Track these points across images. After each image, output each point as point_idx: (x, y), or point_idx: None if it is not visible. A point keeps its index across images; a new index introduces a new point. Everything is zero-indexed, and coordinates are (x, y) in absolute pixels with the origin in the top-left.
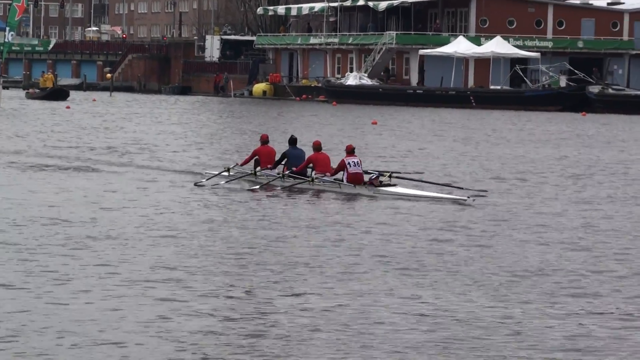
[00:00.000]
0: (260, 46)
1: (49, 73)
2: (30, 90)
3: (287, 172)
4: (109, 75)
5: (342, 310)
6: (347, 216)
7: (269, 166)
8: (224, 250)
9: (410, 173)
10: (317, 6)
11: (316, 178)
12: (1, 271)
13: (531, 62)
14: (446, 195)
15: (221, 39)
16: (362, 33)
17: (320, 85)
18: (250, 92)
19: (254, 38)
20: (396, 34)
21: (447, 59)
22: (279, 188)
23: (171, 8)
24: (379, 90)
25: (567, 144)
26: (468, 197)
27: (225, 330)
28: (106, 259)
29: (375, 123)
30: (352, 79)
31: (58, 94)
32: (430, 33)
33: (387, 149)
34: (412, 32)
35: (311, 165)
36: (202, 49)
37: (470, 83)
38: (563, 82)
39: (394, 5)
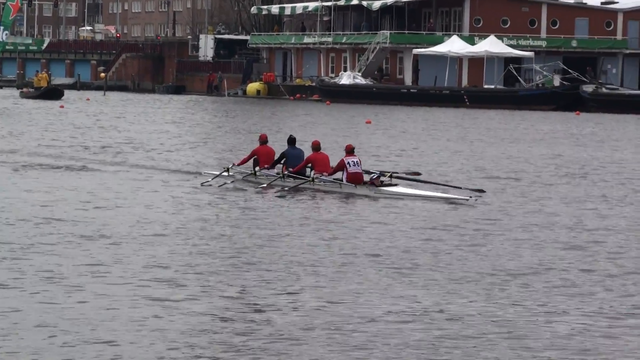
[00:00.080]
0: (254, 45)
1: (43, 72)
2: (25, 90)
3: (286, 172)
4: (102, 74)
5: (338, 309)
6: (347, 216)
7: (265, 166)
8: (223, 249)
9: (409, 173)
10: (311, 5)
11: (316, 178)
12: None
13: (525, 61)
14: (447, 195)
15: (215, 38)
16: (355, 32)
17: (314, 84)
18: (244, 92)
19: (247, 37)
20: (390, 33)
21: (441, 58)
22: (282, 188)
23: (165, 7)
24: (372, 89)
25: (561, 143)
26: (470, 197)
27: (220, 329)
28: (99, 258)
29: (370, 122)
30: (345, 79)
31: (52, 93)
32: (424, 32)
33: (381, 149)
34: (406, 32)
35: (310, 165)
36: (196, 48)
37: (464, 82)
38: (557, 81)
39: (388, 4)
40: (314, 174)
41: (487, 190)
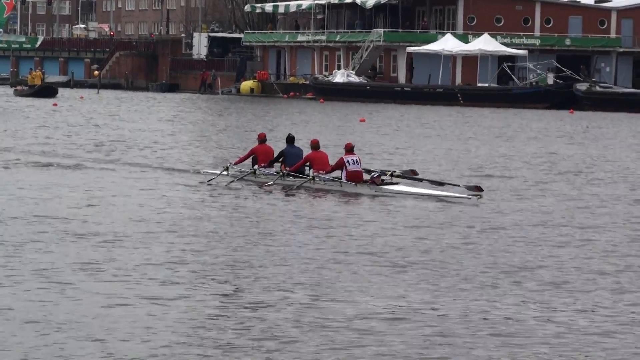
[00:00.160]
0: (247, 43)
1: (37, 70)
2: (19, 88)
3: (285, 171)
4: (96, 72)
5: (334, 307)
6: (347, 214)
7: (262, 165)
8: (222, 248)
9: (405, 172)
10: (305, 3)
11: (316, 176)
12: None
13: (519, 59)
14: (449, 193)
15: (209, 36)
16: (349, 30)
17: (307, 82)
18: (238, 90)
19: (241, 35)
20: (384, 31)
21: (435, 56)
22: (290, 188)
23: (159, 5)
24: (366, 87)
25: (554, 141)
26: (472, 196)
27: (215, 327)
28: (93, 256)
29: (364, 121)
30: (339, 77)
31: (47, 91)
32: (418, 31)
33: (375, 147)
34: (400, 30)
35: (308, 163)
36: (190, 46)
37: (458, 81)
38: (550, 79)
39: (382, 2)
40: (312, 173)
41: (482, 187)
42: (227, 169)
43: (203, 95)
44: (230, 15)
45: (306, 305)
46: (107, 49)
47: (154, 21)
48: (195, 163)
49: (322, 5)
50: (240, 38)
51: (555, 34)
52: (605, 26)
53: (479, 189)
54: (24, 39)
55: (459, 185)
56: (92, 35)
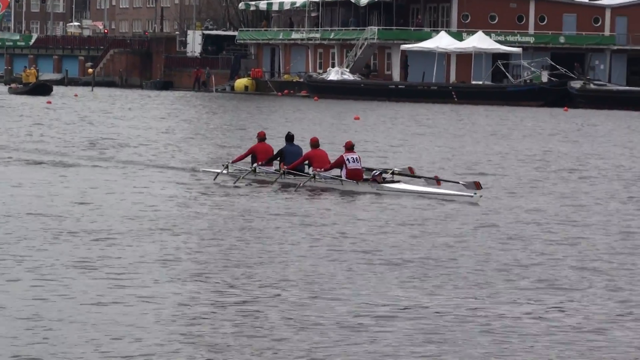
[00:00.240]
0: (242, 41)
1: (32, 68)
2: (13, 85)
3: (285, 169)
4: (90, 70)
5: (328, 305)
6: (348, 212)
7: (260, 162)
8: (220, 246)
9: (404, 169)
10: (299, 1)
11: (316, 174)
12: None
13: (513, 57)
14: (451, 191)
15: (203, 34)
16: (343, 28)
17: (302, 80)
18: (232, 88)
19: (235, 33)
20: (378, 29)
21: (429, 54)
22: (296, 188)
23: (153, 3)
24: (360, 85)
25: (549, 139)
26: (475, 194)
27: (211, 325)
28: (87, 255)
29: (358, 119)
30: (333, 74)
31: (41, 89)
32: (412, 28)
33: (369, 144)
34: (394, 28)
35: (307, 162)
36: (184, 44)
37: (452, 78)
38: (545, 77)
39: (376, 0)
40: (312, 171)
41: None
42: (227, 167)
43: (197, 93)
44: (225, 13)
45: (300, 303)
46: (101, 47)
47: (148, 19)
48: (190, 161)
49: (316, 3)
50: (234, 36)
51: (550, 32)
52: (599, 24)
53: (478, 185)
54: (18, 37)
55: (458, 182)
56: (86, 32)
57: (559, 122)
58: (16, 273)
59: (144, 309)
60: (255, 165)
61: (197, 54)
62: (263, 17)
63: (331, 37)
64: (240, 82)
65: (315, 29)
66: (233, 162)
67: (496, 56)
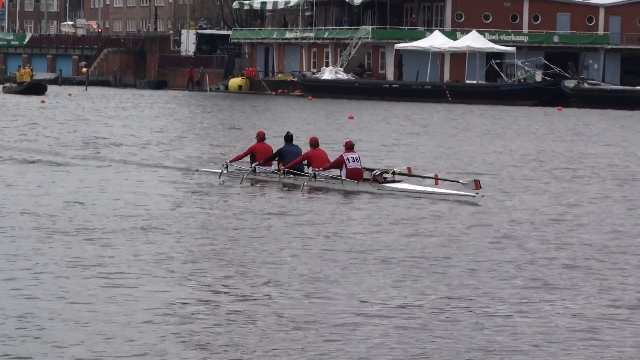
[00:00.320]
0: (236, 40)
1: (26, 67)
2: (7, 85)
3: (284, 169)
4: (84, 69)
5: (325, 303)
6: (348, 212)
7: (257, 162)
8: (219, 245)
9: (402, 169)
10: (293, 0)
11: (317, 174)
12: None
13: (507, 56)
14: (452, 191)
15: (197, 33)
16: (337, 27)
17: (296, 79)
18: (226, 87)
19: (229, 32)
20: (372, 28)
21: (423, 53)
22: (302, 186)
23: (147, 2)
24: (354, 84)
25: (543, 138)
26: (476, 194)
27: (206, 323)
28: (80, 254)
29: (352, 118)
30: (327, 74)
31: (36, 88)
32: (406, 27)
33: (364, 143)
34: (388, 27)
35: (306, 162)
36: (178, 43)
37: (446, 77)
38: (539, 76)
39: None
40: (312, 170)
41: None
42: (226, 167)
43: (191, 92)
44: (219, 12)
45: (296, 301)
46: (95, 46)
47: (142, 18)
48: (184, 160)
49: (310, 2)
50: (228, 35)
51: (544, 31)
52: (593, 23)
53: (477, 184)
54: (11, 36)
55: (457, 182)
56: (80, 32)
57: (553, 122)
58: (9, 272)
59: (136, 308)
60: (254, 164)
61: (191, 53)
62: (257, 17)
63: (325, 36)
64: (234, 82)
65: (309, 28)
66: (231, 161)
67: (490, 55)
